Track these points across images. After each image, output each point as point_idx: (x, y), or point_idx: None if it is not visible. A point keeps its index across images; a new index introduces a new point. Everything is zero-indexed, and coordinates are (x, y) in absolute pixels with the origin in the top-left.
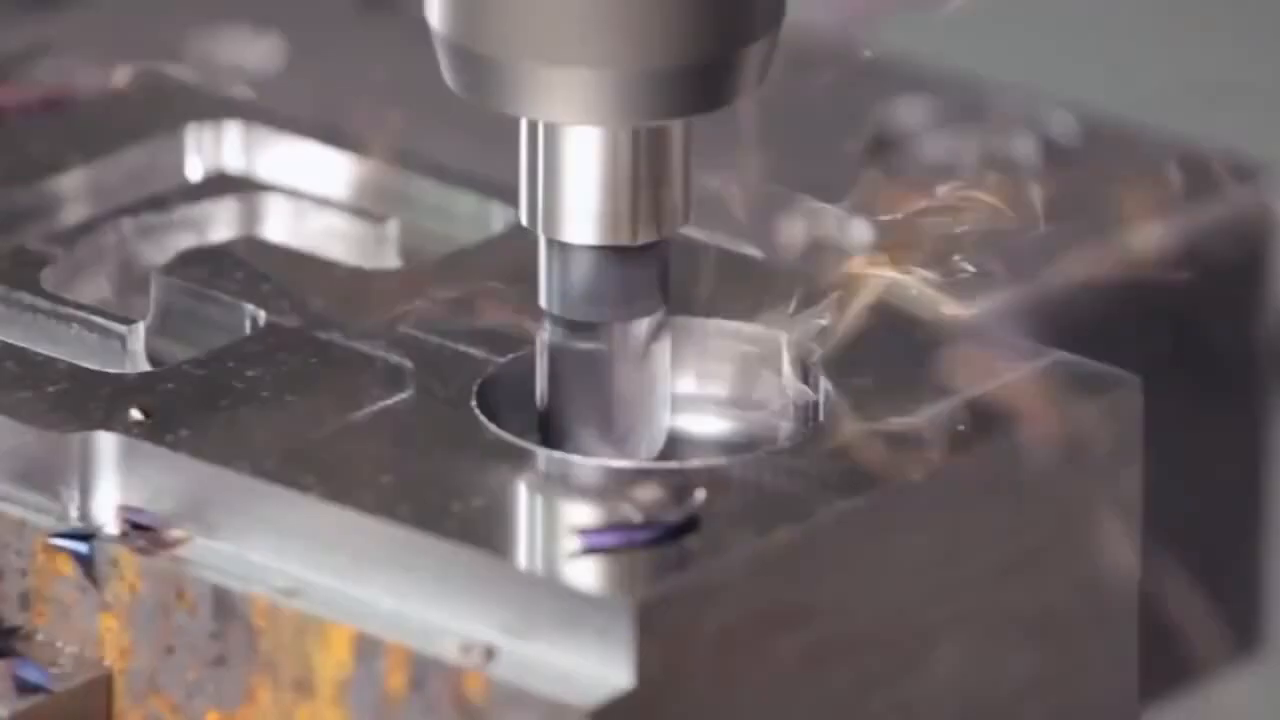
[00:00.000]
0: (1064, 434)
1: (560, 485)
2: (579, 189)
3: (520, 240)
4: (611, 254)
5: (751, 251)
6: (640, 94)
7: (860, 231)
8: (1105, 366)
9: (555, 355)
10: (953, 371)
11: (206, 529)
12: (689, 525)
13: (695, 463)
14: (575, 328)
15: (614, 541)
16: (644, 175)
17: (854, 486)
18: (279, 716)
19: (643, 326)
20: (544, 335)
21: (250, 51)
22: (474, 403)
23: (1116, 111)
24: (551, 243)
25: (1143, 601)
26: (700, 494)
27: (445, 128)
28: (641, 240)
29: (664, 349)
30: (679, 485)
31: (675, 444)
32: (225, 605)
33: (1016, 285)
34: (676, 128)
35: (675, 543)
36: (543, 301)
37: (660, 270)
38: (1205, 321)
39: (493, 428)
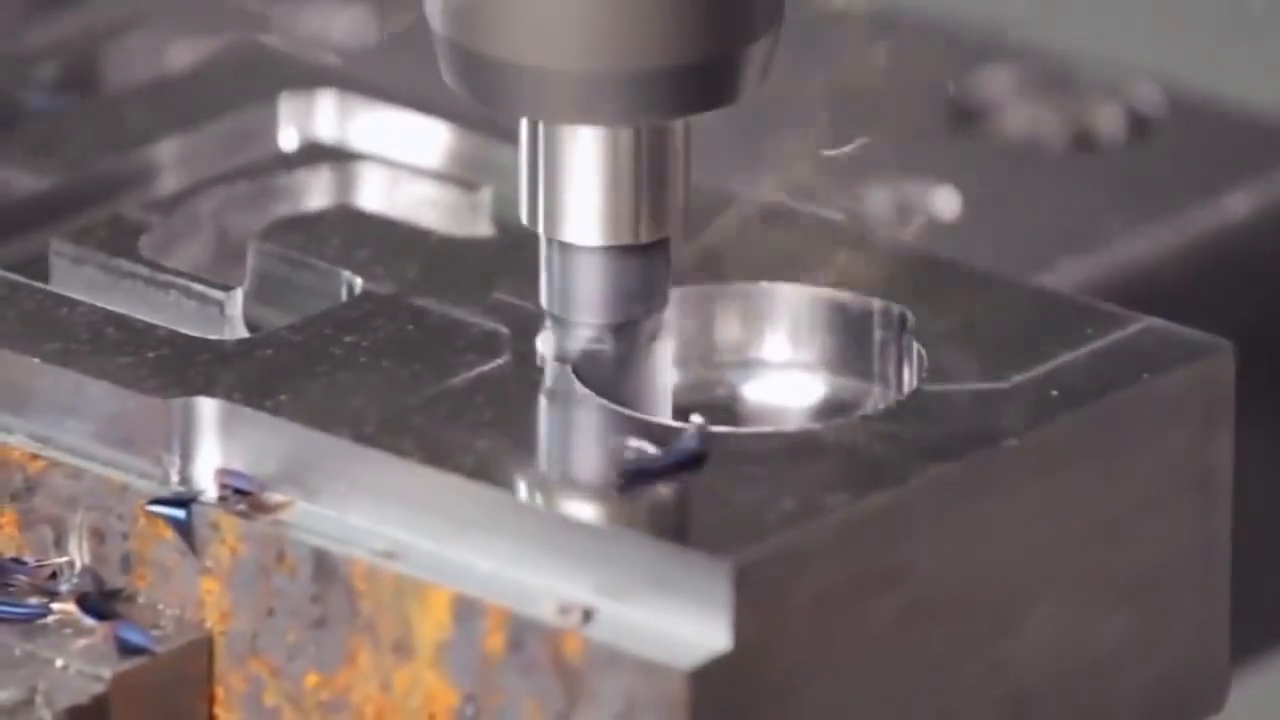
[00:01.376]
0: (1157, 400)
1: (655, 450)
2: (579, 189)
3: None
4: (613, 254)
5: (838, 217)
6: (640, 94)
7: (945, 200)
8: (1197, 332)
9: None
10: (1045, 337)
11: (306, 493)
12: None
13: (789, 427)
14: (576, 328)
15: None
16: (645, 175)
17: (948, 451)
18: (379, 678)
19: (644, 325)
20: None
21: (339, 21)
22: (569, 368)
23: (1201, 83)
24: (552, 243)
25: (1234, 567)
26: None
27: None
28: (643, 240)
29: (665, 348)
30: (774, 450)
31: (769, 411)
32: (325, 568)
33: (1105, 255)
34: (677, 127)
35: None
36: (544, 301)
37: (661, 269)
38: None
39: (588, 393)
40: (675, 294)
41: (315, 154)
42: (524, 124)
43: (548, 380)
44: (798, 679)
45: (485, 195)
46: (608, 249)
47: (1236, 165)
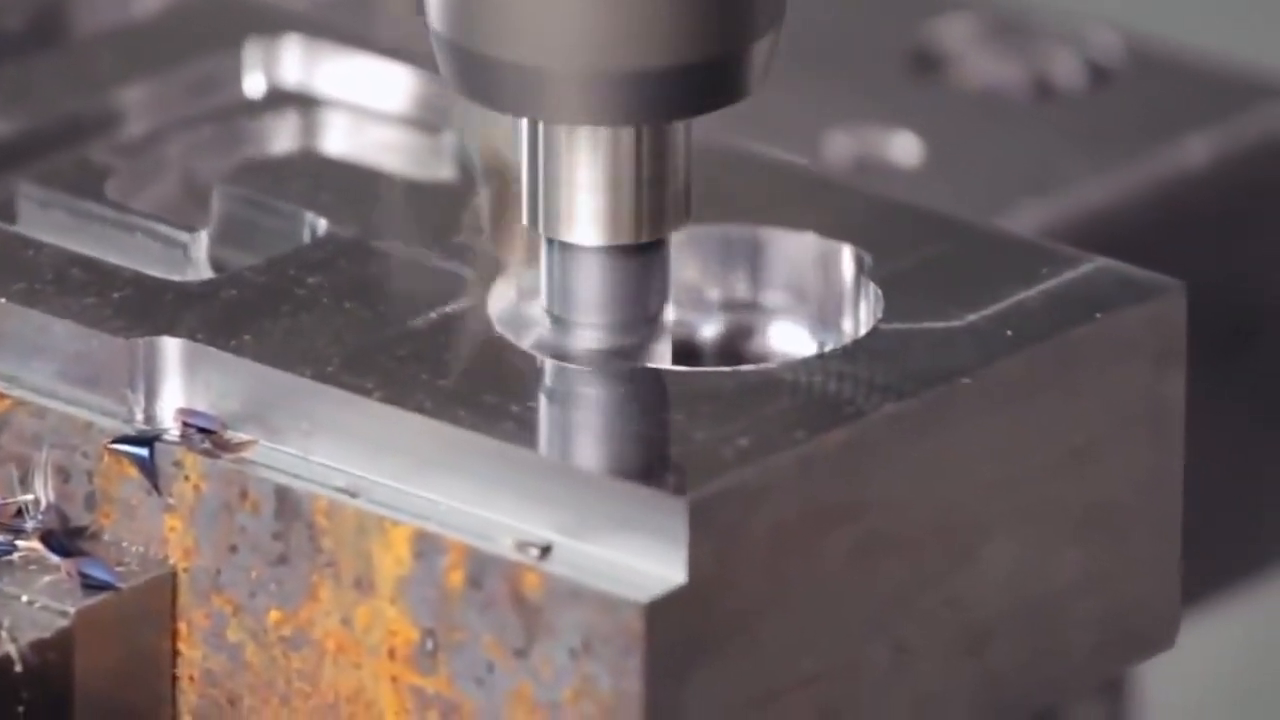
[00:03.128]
0: (1109, 338)
1: (615, 389)
2: (580, 189)
3: None
4: (613, 254)
5: (798, 161)
6: (640, 94)
7: (905, 147)
8: (1149, 272)
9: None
10: (1000, 277)
11: (269, 432)
12: None
13: (747, 367)
14: (577, 327)
15: None
16: (645, 175)
17: (903, 388)
18: (340, 614)
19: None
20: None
21: None
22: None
23: (1158, 30)
24: (552, 243)
25: (1187, 507)
26: None
27: None
28: (643, 240)
29: (665, 348)
30: (731, 389)
31: (729, 351)
32: (287, 505)
33: (1064, 201)
34: (677, 127)
35: None
36: (544, 301)
37: (662, 269)
38: (1245, 238)
39: (522, 347)
40: None
41: (280, 99)
42: (524, 124)
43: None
44: (753, 613)
45: (448, 139)
46: (608, 249)
47: (1194, 112)
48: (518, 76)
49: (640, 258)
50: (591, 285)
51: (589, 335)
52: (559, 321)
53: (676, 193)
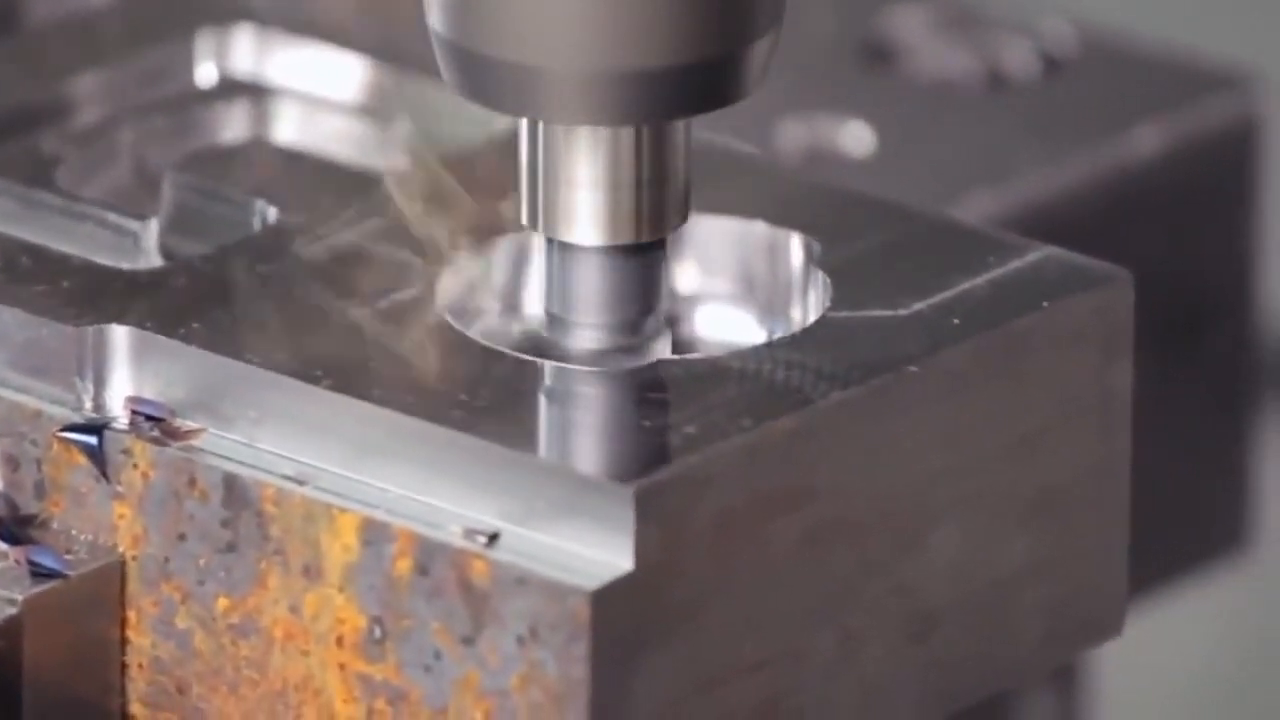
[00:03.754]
0: (1055, 326)
1: (562, 379)
2: (579, 189)
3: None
4: (612, 254)
5: (749, 149)
6: (640, 94)
7: (858, 136)
8: (1096, 261)
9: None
10: (948, 265)
11: (217, 420)
12: None
13: (694, 355)
14: (576, 327)
15: None
16: (645, 175)
17: (851, 376)
18: (288, 601)
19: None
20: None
21: None
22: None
23: (1109, 20)
24: (552, 242)
25: (1134, 494)
26: None
27: None
28: (642, 240)
29: (665, 346)
30: (678, 376)
31: (679, 339)
32: (235, 493)
33: (1016, 191)
34: (677, 127)
35: None
36: (543, 301)
37: (661, 269)
38: (1193, 226)
39: (470, 337)
40: None
41: (232, 88)
42: (524, 124)
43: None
44: (700, 600)
45: (399, 128)
46: (607, 249)
47: (1144, 102)
48: (518, 76)
49: (640, 257)
50: (591, 285)
51: (588, 334)
52: (558, 321)
53: (676, 192)
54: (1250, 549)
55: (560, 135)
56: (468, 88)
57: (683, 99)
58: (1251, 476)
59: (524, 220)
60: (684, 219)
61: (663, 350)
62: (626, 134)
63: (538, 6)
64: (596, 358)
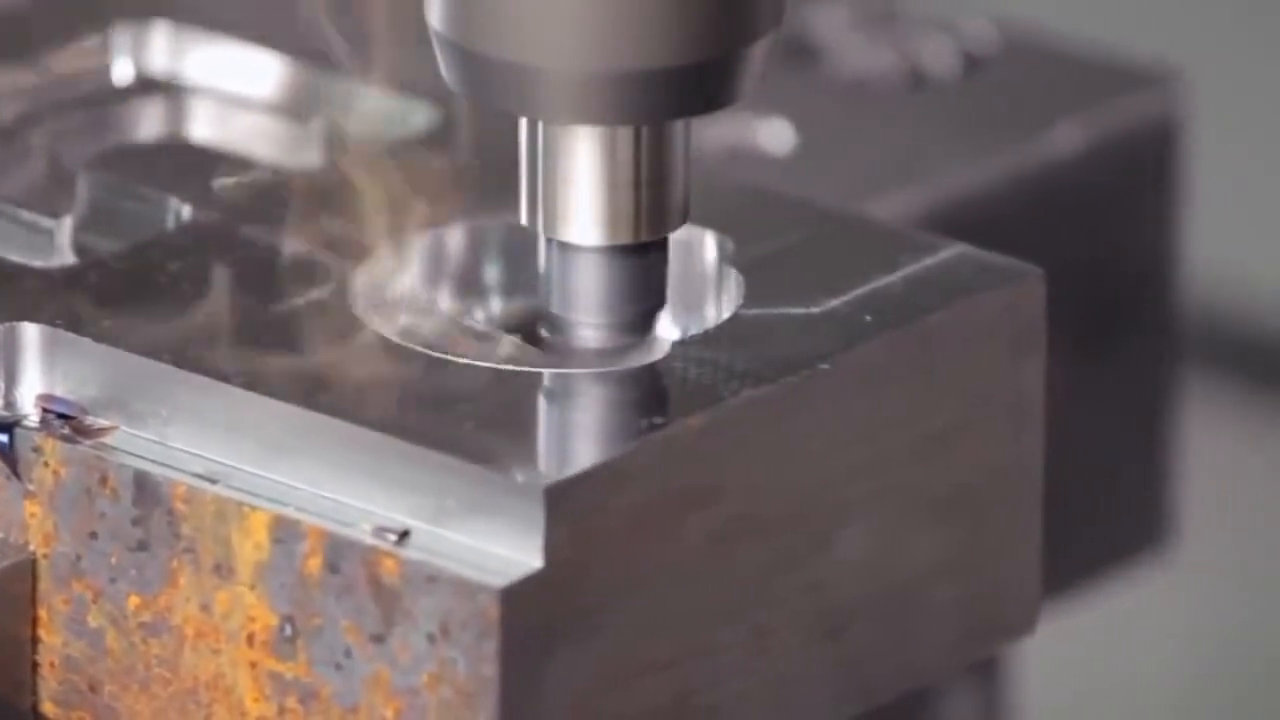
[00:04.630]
0: (967, 323)
1: (474, 376)
2: (579, 189)
3: (441, 140)
4: (612, 254)
5: None
6: (640, 94)
7: (777, 134)
8: (1008, 259)
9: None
10: (860, 263)
11: (129, 417)
12: None
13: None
14: (576, 327)
15: None
16: (644, 175)
17: (762, 374)
18: (199, 599)
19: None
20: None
21: None
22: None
23: (1029, 18)
24: (551, 242)
25: (1049, 493)
26: None
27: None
28: (642, 240)
29: (664, 346)
30: (588, 374)
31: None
32: (146, 490)
33: (936, 189)
34: (677, 127)
35: None
36: (543, 301)
37: (660, 269)
38: (1112, 225)
39: (384, 334)
40: (495, 223)
41: (148, 86)
42: (523, 124)
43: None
44: (610, 597)
45: (315, 127)
46: (607, 249)
47: (1065, 100)
48: (518, 76)
49: (640, 257)
50: (590, 284)
51: (588, 334)
52: (558, 320)
53: (676, 192)
54: (1172, 545)
55: (560, 135)
56: (467, 87)
57: (682, 99)
58: (1172, 473)
59: (523, 220)
60: (684, 219)
61: (662, 350)
62: (626, 134)
63: (537, 6)
64: (595, 357)
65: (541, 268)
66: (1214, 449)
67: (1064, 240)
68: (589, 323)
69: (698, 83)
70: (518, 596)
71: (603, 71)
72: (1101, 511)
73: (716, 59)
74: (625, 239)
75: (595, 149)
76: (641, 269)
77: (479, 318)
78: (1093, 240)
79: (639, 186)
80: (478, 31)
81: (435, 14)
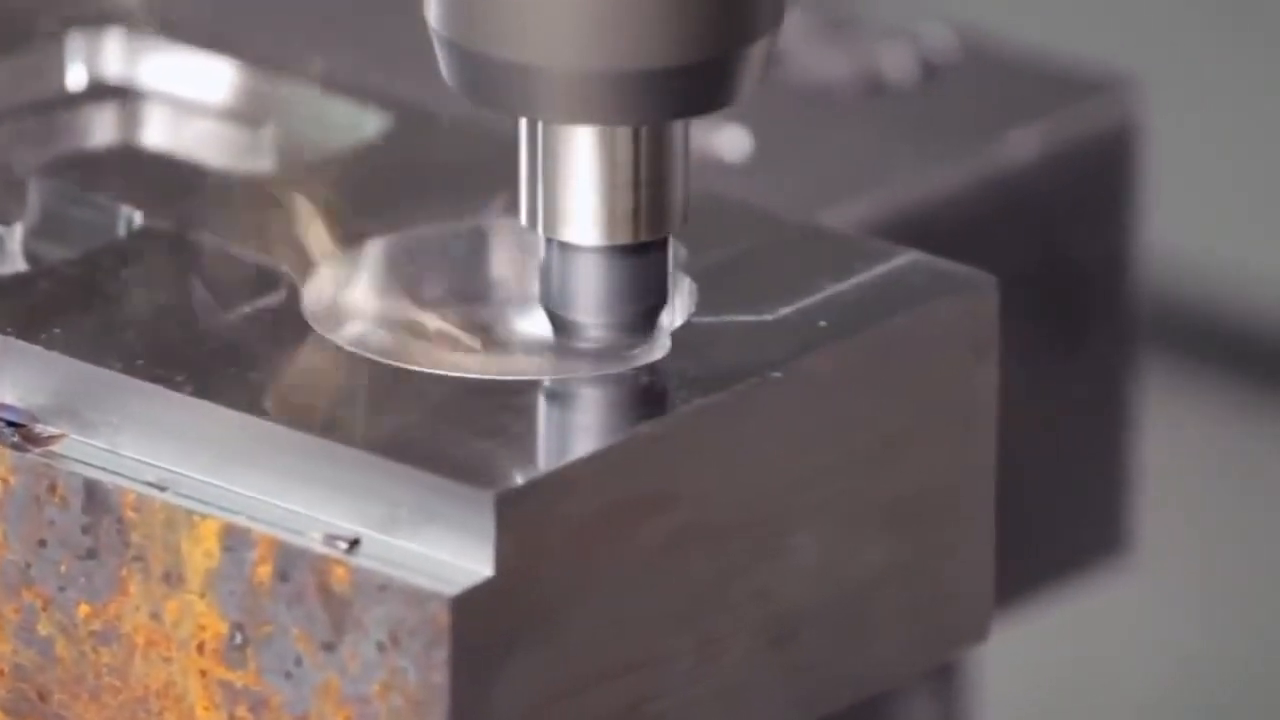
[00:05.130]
0: (920, 331)
1: (423, 385)
2: (579, 189)
3: (393, 146)
4: (611, 253)
5: None
6: (640, 94)
7: (734, 141)
8: (961, 266)
9: None
10: (814, 270)
11: (78, 425)
12: None
13: (553, 370)
14: (575, 327)
15: None
16: (644, 175)
17: (714, 382)
18: (149, 608)
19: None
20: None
21: None
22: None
23: (987, 25)
24: (551, 242)
25: (1005, 501)
26: None
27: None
28: (641, 240)
29: (664, 345)
30: (540, 381)
31: (543, 345)
32: (96, 498)
33: (893, 196)
34: (676, 127)
35: None
36: (543, 300)
37: (660, 269)
38: (1069, 231)
39: (334, 342)
40: (446, 230)
41: (102, 91)
42: (523, 124)
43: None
44: (561, 606)
45: (268, 133)
46: (607, 249)
47: (1023, 107)
48: (517, 76)
49: (639, 257)
50: (590, 284)
51: (588, 333)
52: (557, 320)
53: (675, 192)
54: (1132, 550)
55: (560, 135)
56: (467, 87)
57: (682, 99)
58: (1131, 478)
59: (523, 219)
60: (684, 219)
61: (661, 349)
62: (625, 134)
63: (537, 6)
64: (594, 357)
65: (540, 267)
66: (1173, 454)
67: (1021, 246)
68: (589, 322)
69: (697, 83)
70: (468, 605)
71: (602, 71)
72: (1061, 516)
73: (716, 59)
74: (625, 239)
75: (595, 149)
76: (641, 269)
77: (431, 324)
78: (1050, 246)
79: (638, 186)
80: (477, 31)
81: (435, 14)
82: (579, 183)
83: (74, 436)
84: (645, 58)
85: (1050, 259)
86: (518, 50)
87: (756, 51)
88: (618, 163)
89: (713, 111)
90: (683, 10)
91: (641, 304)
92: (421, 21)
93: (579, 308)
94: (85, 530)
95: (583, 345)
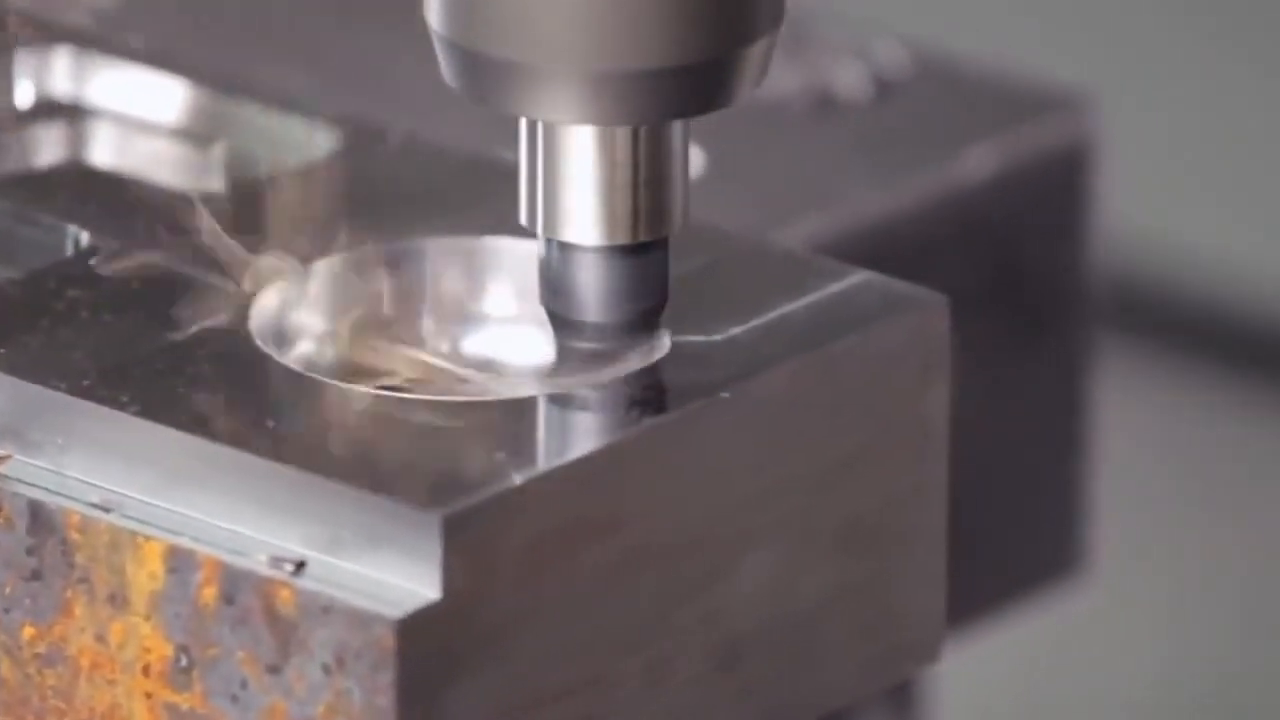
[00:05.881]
0: (871, 351)
1: (371, 405)
2: (578, 189)
3: (342, 164)
4: (611, 254)
5: None
6: (640, 94)
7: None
8: (912, 286)
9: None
10: (764, 290)
11: (24, 446)
12: None
13: (496, 394)
14: (574, 326)
15: None
16: (643, 175)
17: (661, 403)
18: (94, 629)
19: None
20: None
21: None
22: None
23: (943, 42)
24: (550, 242)
25: (958, 522)
26: None
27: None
28: (641, 240)
29: (663, 345)
30: (487, 402)
31: (493, 365)
32: (41, 520)
33: (847, 214)
34: (676, 127)
35: None
36: (542, 300)
37: (660, 269)
38: (1023, 250)
39: (280, 362)
40: (395, 248)
41: (49, 110)
42: (523, 124)
43: None
44: (508, 628)
45: (217, 151)
46: (606, 249)
47: (977, 124)
48: (517, 76)
49: (639, 257)
50: (589, 284)
51: (586, 333)
52: (556, 320)
53: (675, 193)
54: (1087, 569)
55: (559, 135)
56: (467, 87)
57: (682, 100)
58: (1085, 496)
59: (522, 219)
60: (684, 220)
61: (661, 349)
62: (625, 134)
63: (537, 6)
64: (591, 358)
65: (540, 267)
66: (1129, 470)
67: (976, 264)
68: (589, 322)
69: (697, 83)
70: (414, 628)
71: (602, 71)
72: (1016, 534)
73: (715, 59)
74: (624, 239)
75: (594, 149)
76: (641, 268)
77: (379, 344)
78: (1005, 264)
79: (637, 187)
80: (477, 31)
81: (435, 14)
82: (578, 183)
83: (19, 457)
84: (645, 58)
85: (1005, 276)
86: (518, 50)
87: (756, 52)
88: (617, 163)
89: (711, 111)
90: (682, 11)
91: (641, 304)
92: (371, 38)
93: (578, 308)
94: (30, 551)
95: (538, 363)
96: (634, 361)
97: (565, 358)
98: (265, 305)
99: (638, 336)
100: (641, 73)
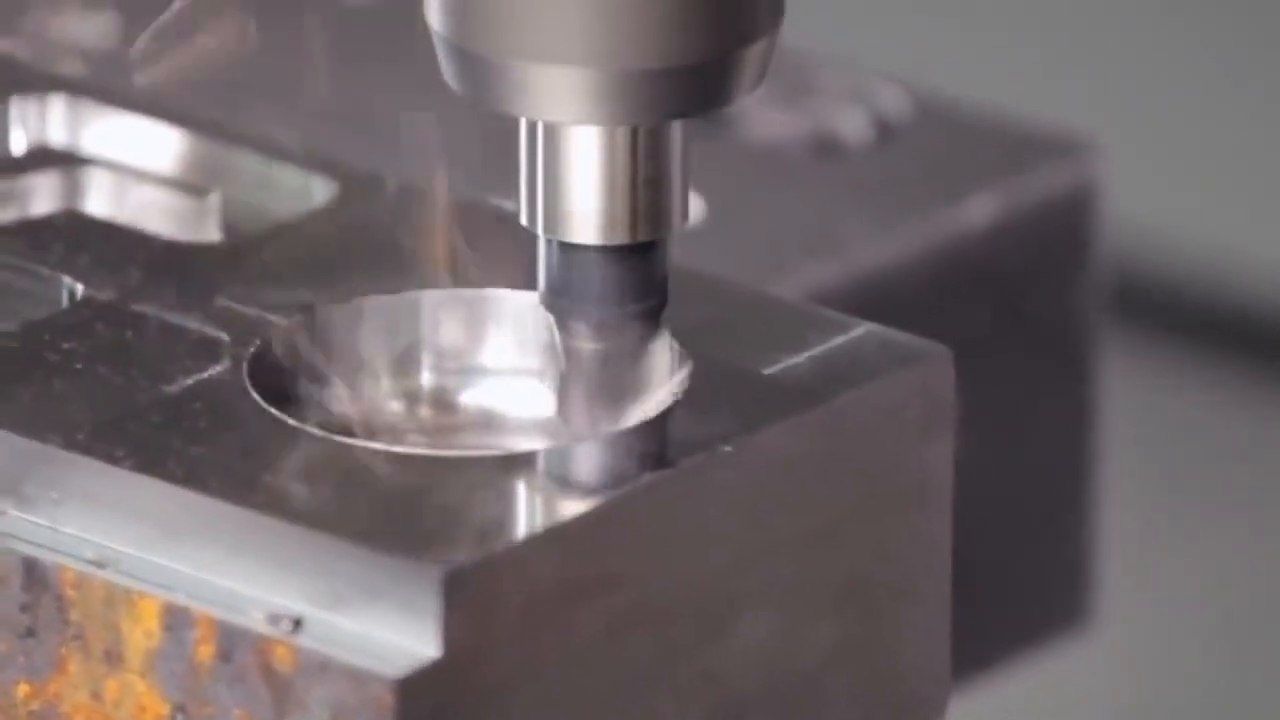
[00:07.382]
0: (874, 405)
1: (367, 460)
2: (578, 189)
3: (339, 213)
4: (610, 253)
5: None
6: (639, 94)
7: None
8: (916, 338)
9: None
10: (766, 342)
11: (18, 501)
12: None
13: (495, 449)
14: (573, 326)
15: None
16: (643, 175)
17: (662, 458)
18: (89, 687)
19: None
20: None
21: (86, 28)
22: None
23: (945, 87)
24: (550, 242)
25: (964, 574)
26: None
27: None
28: (640, 240)
29: (662, 345)
30: (487, 456)
31: (492, 417)
32: (35, 576)
33: (847, 261)
34: (676, 127)
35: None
36: (542, 300)
37: (659, 269)
38: (1028, 296)
39: (270, 410)
40: (393, 300)
41: (44, 159)
42: (523, 124)
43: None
44: (508, 686)
45: (213, 200)
46: (605, 249)
47: (979, 169)
48: (517, 76)
49: (638, 257)
50: (588, 284)
51: (585, 332)
52: (556, 320)
53: (674, 193)
54: (1092, 623)
55: (559, 135)
56: (467, 87)
57: (681, 99)
58: (1090, 550)
59: (522, 220)
60: (684, 220)
61: (660, 349)
62: (624, 134)
63: (537, 7)
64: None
65: (539, 267)
66: (1133, 526)
67: (979, 311)
68: (588, 322)
69: (696, 83)
70: (412, 687)
71: (602, 71)
72: (1020, 588)
73: (715, 59)
74: (623, 239)
75: (594, 149)
76: (640, 268)
77: (377, 397)
78: (1008, 311)
79: (636, 187)
80: (477, 31)
81: (435, 14)
82: (578, 183)
83: (13, 512)
84: (645, 58)
85: (1008, 324)
86: (518, 50)
87: (755, 52)
88: (617, 163)
89: (711, 111)
90: (682, 11)
91: (641, 304)
92: (368, 86)
93: (578, 308)
94: (24, 609)
95: (538, 415)
96: (634, 414)
97: (565, 357)
98: (261, 357)
99: (637, 335)
100: (641, 73)
